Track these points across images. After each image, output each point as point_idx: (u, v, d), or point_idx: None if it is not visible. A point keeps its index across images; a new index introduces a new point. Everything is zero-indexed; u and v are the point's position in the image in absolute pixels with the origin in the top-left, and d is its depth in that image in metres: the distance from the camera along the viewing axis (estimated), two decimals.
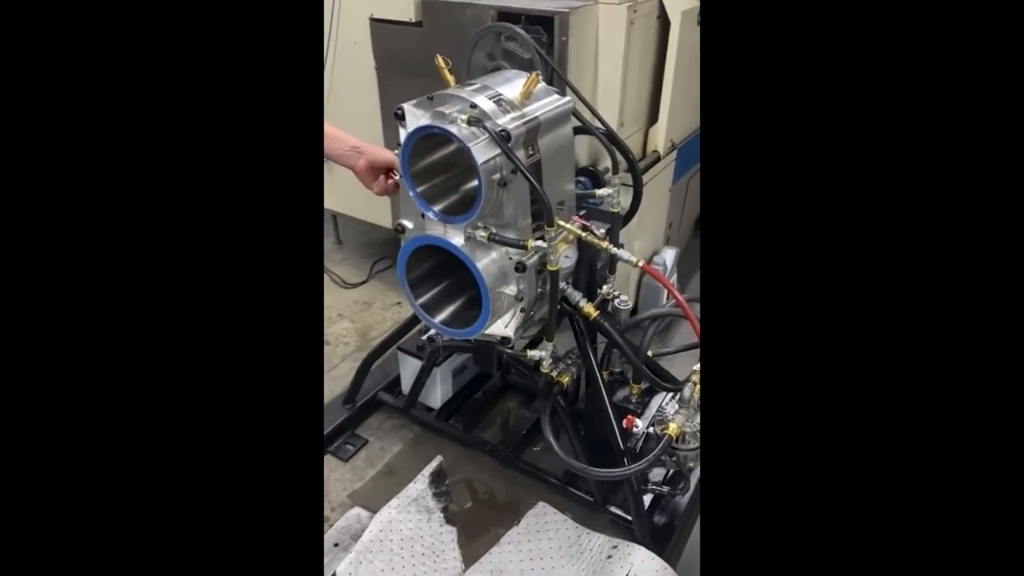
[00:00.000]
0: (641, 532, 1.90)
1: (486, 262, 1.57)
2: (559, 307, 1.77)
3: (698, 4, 2.43)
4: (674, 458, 1.86)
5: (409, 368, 2.36)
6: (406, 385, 2.40)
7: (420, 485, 2.18)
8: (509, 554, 1.96)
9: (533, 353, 1.72)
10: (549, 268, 1.51)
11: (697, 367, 1.81)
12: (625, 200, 1.90)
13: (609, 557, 1.87)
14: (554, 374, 1.84)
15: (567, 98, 1.63)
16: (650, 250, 2.84)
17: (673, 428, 1.74)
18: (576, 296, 1.80)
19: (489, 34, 2.04)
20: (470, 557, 1.96)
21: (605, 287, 1.92)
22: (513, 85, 1.55)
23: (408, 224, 1.66)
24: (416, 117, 1.50)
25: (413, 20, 2.48)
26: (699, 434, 1.80)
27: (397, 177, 1.69)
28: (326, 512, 2.12)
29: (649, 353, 2.03)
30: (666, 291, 2.84)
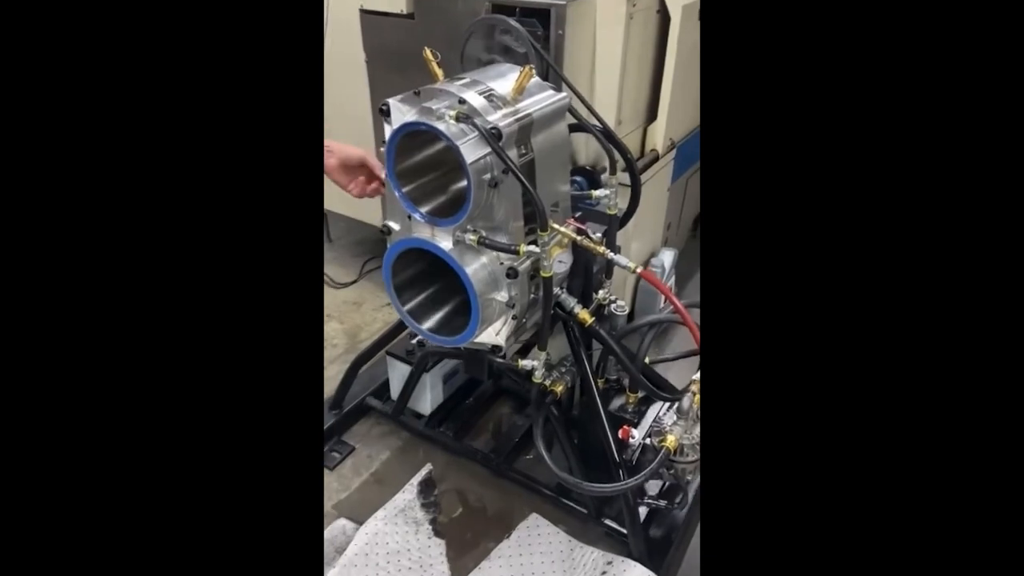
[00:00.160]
0: (637, 547, 1.83)
1: (475, 267, 1.49)
2: (553, 313, 1.69)
3: None
4: (671, 471, 1.78)
5: (398, 373, 2.28)
6: (395, 390, 2.32)
7: (408, 495, 2.11)
8: (499, 569, 1.88)
9: (525, 362, 1.64)
10: (542, 274, 1.43)
11: (696, 376, 1.74)
12: (623, 201, 1.82)
13: (604, 573, 1.80)
14: (547, 383, 1.77)
15: (562, 94, 1.55)
16: (648, 252, 2.76)
17: (671, 440, 1.66)
18: (571, 302, 1.72)
19: (482, 27, 1.96)
20: (459, 572, 1.89)
21: (601, 292, 1.84)
22: (505, 80, 1.47)
23: (394, 226, 1.57)
24: (402, 113, 1.41)
25: (404, 12, 2.39)
26: (698, 446, 1.73)
27: (383, 175, 1.60)
28: None
29: (647, 360, 1.95)
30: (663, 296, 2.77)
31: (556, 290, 1.68)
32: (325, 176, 1.64)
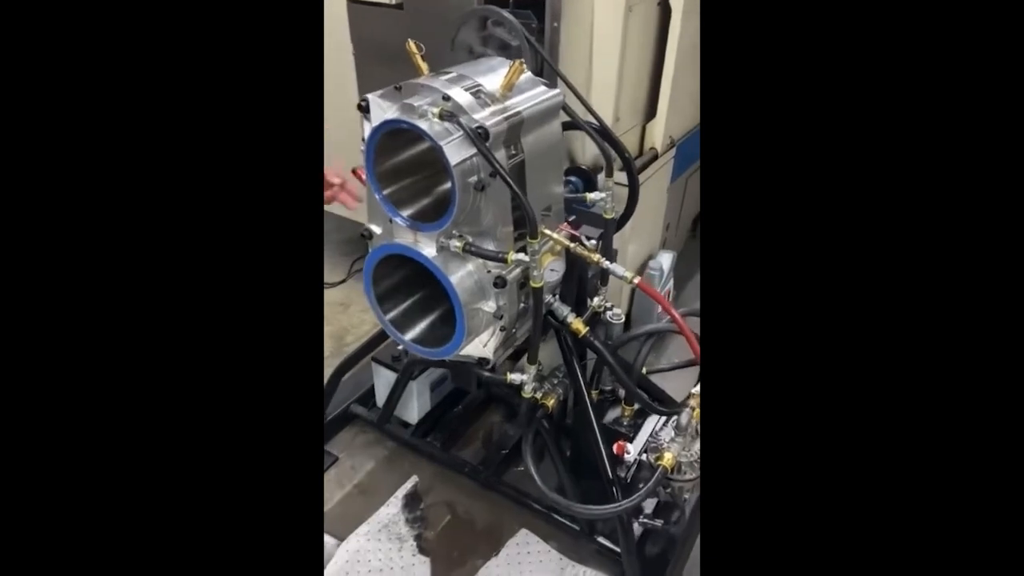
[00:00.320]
0: (631, 568, 1.74)
1: (461, 275, 1.39)
2: (545, 321, 1.60)
3: None
4: (668, 489, 1.70)
5: (384, 380, 2.18)
6: (380, 397, 2.23)
7: (392, 509, 2.02)
8: None
9: (514, 376, 1.55)
10: (532, 284, 1.34)
11: (695, 390, 1.65)
12: (620, 203, 1.72)
13: None
14: (538, 396, 1.67)
15: (556, 91, 1.45)
16: (645, 254, 2.66)
17: (668, 458, 1.58)
18: (564, 311, 1.62)
19: (474, 18, 1.86)
20: None
21: (596, 299, 1.75)
22: (495, 75, 1.37)
23: (376, 229, 1.47)
24: (382, 110, 1.31)
25: (393, 2, 2.28)
26: (696, 464, 1.64)
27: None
28: None
29: (643, 370, 1.86)
30: (662, 294, 2.67)
31: (548, 298, 1.59)
32: None
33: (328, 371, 2.33)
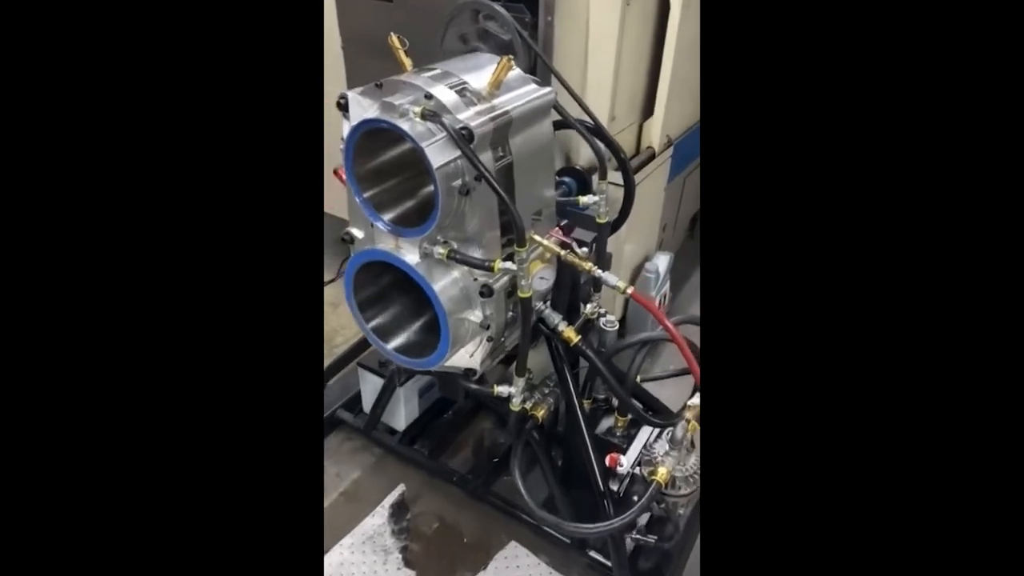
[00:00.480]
0: None
1: (445, 283, 1.32)
2: (535, 329, 1.53)
3: None
4: (662, 504, 1.64)
5: (370, 385, 2.12)
6: (367, 403, 2.16)
7: (378, 520, 1.96)
8: None
9: (501, 388, 1.48)
10: (520, 294, 1.27)
11: (691, 401, 1.58)
12: (615, 203, 1.65)
13: None
14: (527, 406, 1.61)
15: (547, 89, 1.37)
16: (641, 255, 2.59)
17: (662, 473, 1.52)
18: (555, 319, 1.55)
19: (465, 11, 1.78)
20: None
21: (589, 306, 1.68)
22: (482, 72, 1.29)
23: (357, 233, 1.40)
24: (362, 107, 1.24)
25: None
26: (692, 479, 1.58)
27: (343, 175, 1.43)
28: None
29: (637, 379, 1.79)
30: (658, 302, 2.61)
31: (539, 305, 1.52)
32: None
33: None
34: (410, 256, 1.31)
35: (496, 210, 1.28)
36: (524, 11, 1.84)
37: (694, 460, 1.60)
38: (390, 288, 1.49)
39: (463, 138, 1.14)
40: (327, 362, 2.24)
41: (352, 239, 1.41)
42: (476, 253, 1.30)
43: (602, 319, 1.71)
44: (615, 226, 1.71)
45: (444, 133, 1.16)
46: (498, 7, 1.64)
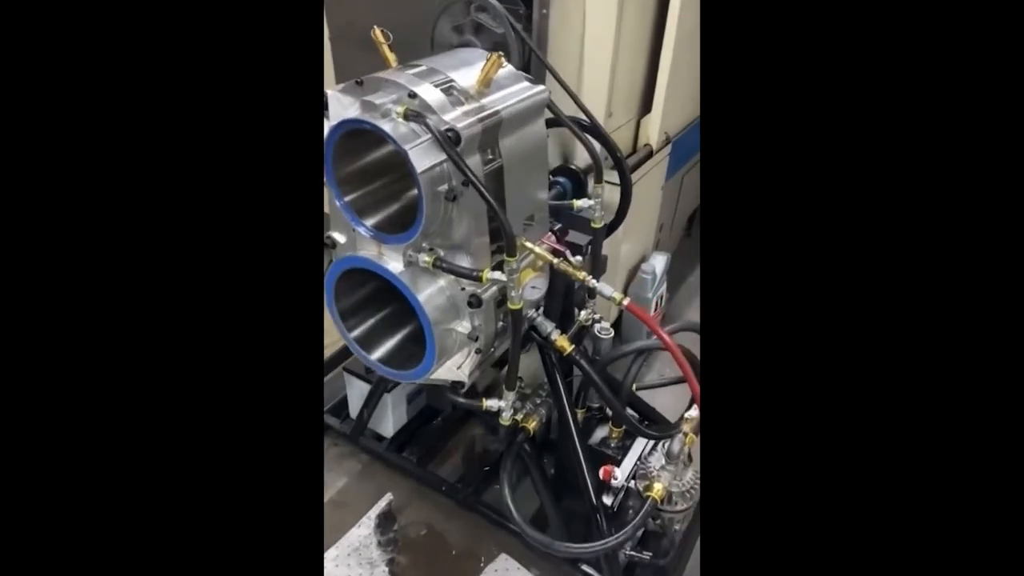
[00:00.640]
0: None
1: (431, 292, 1.25)
2: (527, 336, 1.46)
3: None
4: (657, 520, 1.58)
5: (357, 391, 2.05)
6: (354, 409, 2.09)
7: (364, 531, 1.89)
8: None
9: (491, 402, 1.41)
10: (510, 306, 1.19)
11: (688, 414, 1.52)
12: (611, 203, 1.58)
13: None
14: (519, 418, 1.54)
15: (540, 87, 1.30)
16: (638, 255, 2.53)
17: (658, 489, 1.46)
18: (548, 327, 1.49)
19: (457, 3, 1.70)
20: None
21: (583, 312, 1.61)
22: (471, 69, 1.22)
23: (339, 238, 1.33)
24: (342, 106, 1.16)
25: None
26: (688, 494, 1.52)
27: None
28: None
29: (632, 387, 1.73)
30: (655, 304, 2.54)
31: (531, 312, 1.45)
32: None
33: None
34: (393, 264, 1.24)
35: (485, 216, 1.21)
36: (518, 3, 1.76)
37: (691, 474, 1.54)
38: (373, 296, 1.42)
39: (449, 140, 1.07)
40: None
41: (333, 244, 1.34)
42: (464, 261, 1.23)
43: (596, 326, 1.64)
44: (611, 228, 1.64)
45: (429, 135, 1.08)
46: None
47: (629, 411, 1.63)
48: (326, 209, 1.33)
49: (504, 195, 1.24)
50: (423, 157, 1.09)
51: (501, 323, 1.35)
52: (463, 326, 1.28)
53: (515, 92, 1.24)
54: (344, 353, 2.10)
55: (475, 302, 1.21)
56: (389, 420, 2.05)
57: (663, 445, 1.58)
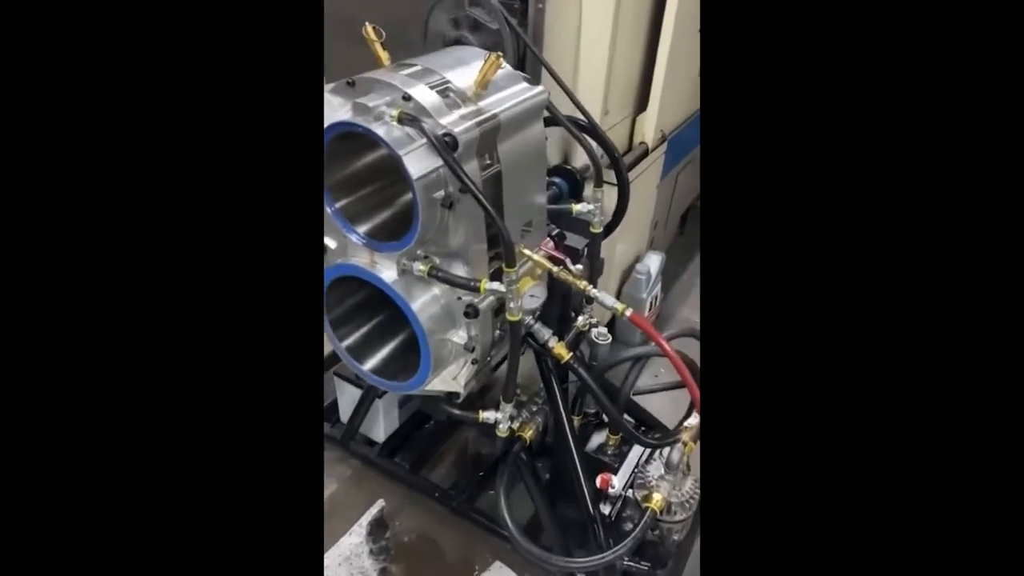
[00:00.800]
0: None
1: (425, 300, 1.20)
2: (524, 343, 1.42)
3: None
4: (656, 531, 1.55)
5: (348, 396, 2.00)
6: (345, 413, 2.04)
7: (355, 539, 1.85)
8: None
9: (487, 415, 1.37)
10: (509, 317, 1.15)
11: (688, 423, 1.50)
12: (607, 201, 1.53)
13: None
14: (514, 427, 1.50)
15: (539, 88, 1.25)
16: (632, 255, 2.49)
17: (657, 500, 1.43)
18: (545, 334, 1.44)
19: None
20: None
21: (580, 318, 1.57)
22: (467, 69, 1.16)
23: (329, 243, 1.27)
24: (332, 108, 1.10)
25: None
26: (687, 504, 1.49)
27: None
28: None
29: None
30: (649, 304, 2.51)
31: (527, 319, 1.41)
32: None
33: None
34: (387, 272, 1.19)
35: (483, 223, 1.16)
36: None
37: (690, 484, 1.51)
38: (364, 304, 1.37)
39: (446, 146, 1.02)
40: None
41: (324, 250, 1.28)
42: (460, 269, 1.18)
43: (594, 331, 1.60)
44: (608, 230, 1.60)
45: (424, 140, 1.03)
46: None
47: (627, 418, 1.60)
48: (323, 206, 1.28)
49: (502, 201, 1.19)
50: (418, 163, 1.04)
51: (498, 332, 1.31)
52: (459, 336, 1.23)
53: (514, 94, 1.19)
54: (334, 357, 2.04)
55: (472, 312, 1.17)
56: (380, 425, 2.00)
57: (660, 453, 1.55)
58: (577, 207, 1.41)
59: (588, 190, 1.86)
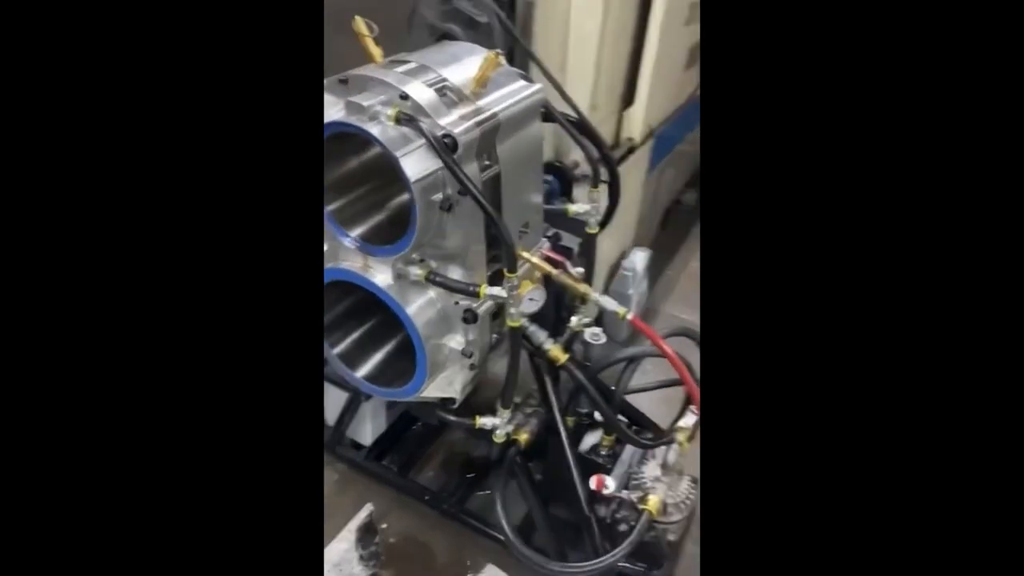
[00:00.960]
0: None
1: (420, 304, 1.17)
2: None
3: None
4: (652, 533, 1.54)
5: (333, 399, 1.95)
6: (330, 416, 1.99)
7: (344, 544, 1.80)
8: None
9: (484, 420, 1.34)
10: (510, 324, 1.12)
11: (682, 423, 1.49)
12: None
13: None
14: (510, 430, 1.47)
15: (536, 86, 1.21)
16: (618, 251, 2.48)
17: (654, 502, 1.42)
18: (540, 336, 1.41)
19: None
20: None
21: (574, 319, 1.55)
22: (461, 65, 1.12)
23: None
24: (325, 107, 1.05)
25: None
26: (683, 504, 1.49)
27: None
28: None
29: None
30: (636, 296, 2.50)
31: (523, 322, 1.38)
32: None
33: None
34: (381, 276, 1.15)
35: (482, 225, 1.13)
36: None
37: (686, 484, 1.50)
38: (355, 309, 1.32)
39: (446, 147, 0.98)
40: None
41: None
42: (457, 272, 1.15)
43: (587, 331, 1.58)
44: (599, 227, 1.57)
45: (423, 140, 0.99)
46: None
47: (621, 418, 1.58)
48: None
49: (500, 203, 1.15)
50: (416, 165, 1.00)
51: (495, 335, 1.27)
52: (456, 341, 1.20)
53: (512, 92, 1.15)
54: None
55: (471, 318, 1.14)
56: (367, 427, 1.96)
57: (653, 454, 1.54)
58: (574, 208, 1.38)
59: (577, 190, 1.84)
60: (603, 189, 1.53)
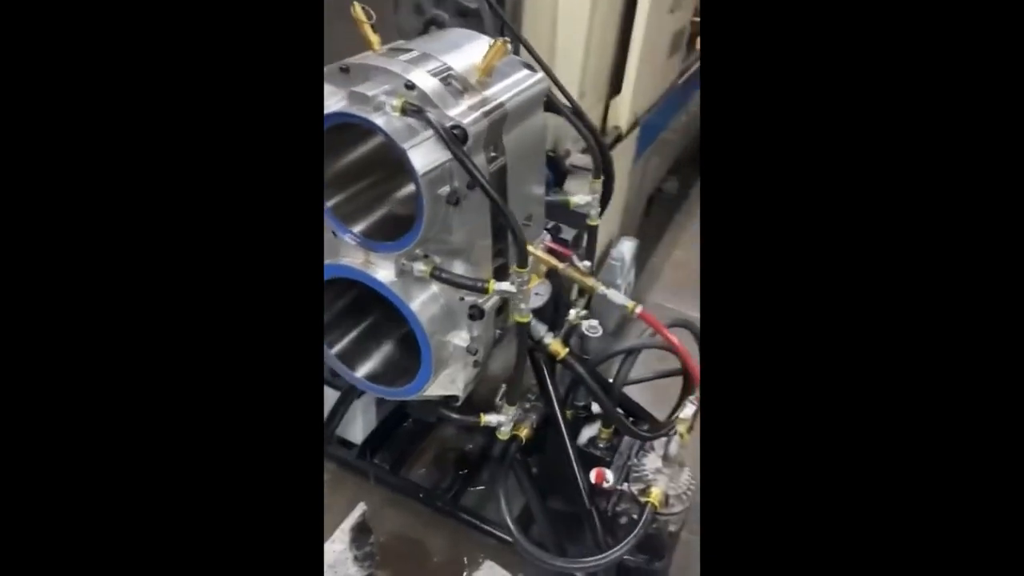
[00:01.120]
0: None
1: (424, 300, 1.13)
2: None
3: None
4: (654, 525, 1.54)
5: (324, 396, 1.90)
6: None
7: (338, 546, 1.77)
8: None
9: (489, 418, 1.31)
10: (518, 319, 1.09)
11: (682, 414, 1.48)
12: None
13: None
14: (511, 426, 1.45)
15: (540, 75, 1.18)
16: (605, 242, 2.46)
17: (656, 494, 1.42)
18: (540, 330, 1.40)
19: None
20: None
21: (572, 312, 1.53)
22: (462, 53, 1.08)
23: None
24: (325, 97, 1.00)
25: None
26: (684, 496, 1.49)
27: None
28: None
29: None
30: (623, 289, 2.49)
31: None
32: None
33: None
34: (383, 273, 1.11)
35: (488, 219, 1.09)
36: None
37: (687, 475, 1.50)
38: (353, 306, 1.28)
39: (455, 139, 0.94)
40: None
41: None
42: (462, 267, 1.11)
43: (585, 323, 1.56)
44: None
45: (431, 132, 0.95)
46: None
47: (621, 413, 1.57)
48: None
49: (506, 195, 1.12)
50: (424, 156, 0.96)
51: (498, 331, 1.25)
52: (460, 338, 1.17)
53: (517, 81, 1.12)
54: None
55: (477, 314, 1.10)
56: (358, 425, 1.92)
57: (651, 445, 1.54)
58: (575, 199, 1.35)
59: (569, 182, 1.81)
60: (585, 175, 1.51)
